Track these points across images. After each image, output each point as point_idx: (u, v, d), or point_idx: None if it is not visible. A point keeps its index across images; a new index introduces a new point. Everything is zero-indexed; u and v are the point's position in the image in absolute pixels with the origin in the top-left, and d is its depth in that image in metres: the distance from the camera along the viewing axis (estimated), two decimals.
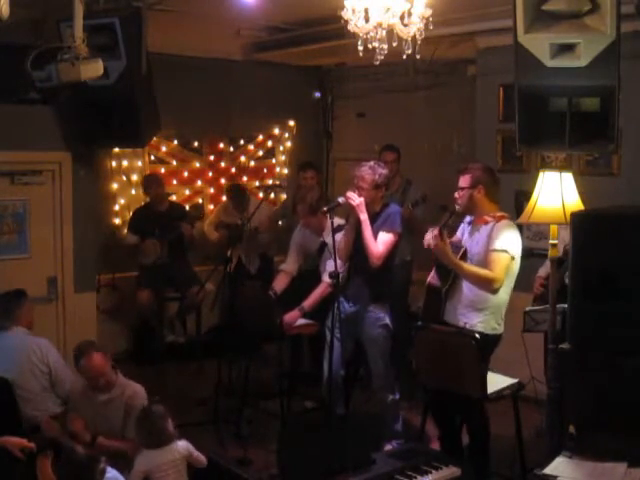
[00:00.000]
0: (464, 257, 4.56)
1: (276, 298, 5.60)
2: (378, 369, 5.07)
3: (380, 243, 4.90)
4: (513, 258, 4.39)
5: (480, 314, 4.46)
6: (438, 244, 4.35)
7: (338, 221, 5.13)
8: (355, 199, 4.89)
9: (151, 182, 7.12)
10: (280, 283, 5.81)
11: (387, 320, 5.02)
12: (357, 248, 4.99)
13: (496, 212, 4.49)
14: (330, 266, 5.30)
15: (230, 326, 5.88)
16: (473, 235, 4.58)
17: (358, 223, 4.92)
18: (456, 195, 4.58)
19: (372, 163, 5.03)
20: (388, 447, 4.91)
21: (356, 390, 5.52)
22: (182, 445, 3.87)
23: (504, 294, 4.47)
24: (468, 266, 4.43)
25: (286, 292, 5.91)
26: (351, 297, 5.07)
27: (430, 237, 4.38)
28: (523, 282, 4.84)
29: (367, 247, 4.88)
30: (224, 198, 7.72)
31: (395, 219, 4.97)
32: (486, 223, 4.43)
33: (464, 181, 4.53)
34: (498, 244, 4.37)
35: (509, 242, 4.38)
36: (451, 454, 4.46)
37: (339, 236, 5.04)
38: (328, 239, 5.12)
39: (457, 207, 4.60)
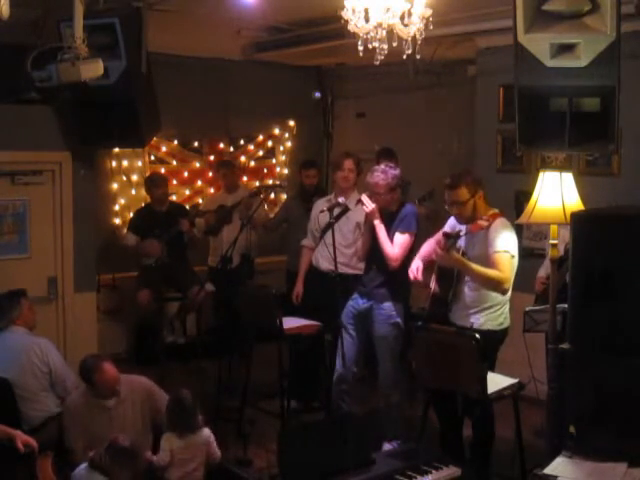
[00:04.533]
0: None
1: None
2: (386, 367, 5.06)
3: (396, 245, 4.93)
4: (513, 257, 4.45)
5: (486, 312, 4.52)
6: (443, 255, 4.38)
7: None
8: (369, 205, 4.89)
9: (157, 181, 7.06)
10: (306, 260, 5.91)
11: (399, 319, 5.01)
12: (375, 248, 5.01)
13: (488, 212, 4.53)
14: (321, 256, 5.44)
15: (229, 325, 5.87)
16: (469, 238, 4.60)
17: (373, 228, 4.95)
18: (456, 212, 4.56)
19: (383, 167, 5.01)
20: (388, 447, 4.90)
21: (359, 388, 5.51)
22: (206, 432, 4.11)
23: None
24: (478, 268, 4.42)
25: (285, 292, 5.89)
26: (365, 294, 5.08)
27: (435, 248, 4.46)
28: (523, 282, 4.85)
29: (383, 250, 4.91)
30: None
31: (411, 220, 4.99)
32: (481, 228, 4.48)
33: (461, 195, 4.49)
34: (500, 245, 4.41)
35: (508, 242, 4.45)
36: (451, 452, 4.46)
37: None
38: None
39: (459, 221, 4.59)
